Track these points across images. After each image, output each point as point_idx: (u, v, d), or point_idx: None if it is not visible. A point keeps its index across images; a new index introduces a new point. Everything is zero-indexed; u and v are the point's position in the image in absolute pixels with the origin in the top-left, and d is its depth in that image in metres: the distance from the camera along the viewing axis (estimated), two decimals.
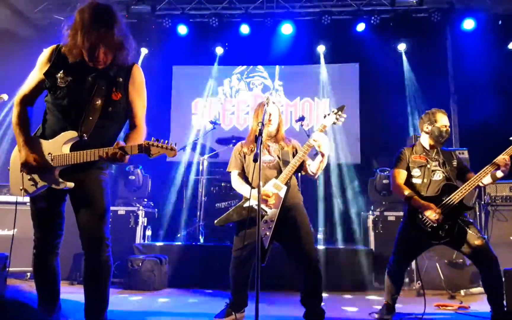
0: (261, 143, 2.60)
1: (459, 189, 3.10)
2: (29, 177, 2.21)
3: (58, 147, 2.19)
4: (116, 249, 4.86)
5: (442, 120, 3.33)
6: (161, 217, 6.21)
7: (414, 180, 3.33)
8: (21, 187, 2.21)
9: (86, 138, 2.19)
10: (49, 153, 2.19)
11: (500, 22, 6.51)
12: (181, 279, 4.76)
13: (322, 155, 2.88)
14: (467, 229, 3.08)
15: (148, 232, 5.60)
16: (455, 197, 3.08)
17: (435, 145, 3.36)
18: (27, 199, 2.28)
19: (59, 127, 2.23)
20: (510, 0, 6.31)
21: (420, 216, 3.12)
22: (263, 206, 2.90)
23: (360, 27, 6.80)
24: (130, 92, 2.34)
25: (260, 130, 2.64)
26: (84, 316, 2.29)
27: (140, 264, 4.47)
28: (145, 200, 5.87)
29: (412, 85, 7.00)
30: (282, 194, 2.91)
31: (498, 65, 6.22)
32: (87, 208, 2.26)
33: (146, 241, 5.39)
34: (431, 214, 3.05)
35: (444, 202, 3.10)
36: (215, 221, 3.12)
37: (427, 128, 3.38)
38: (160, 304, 3.86)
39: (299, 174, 3.29)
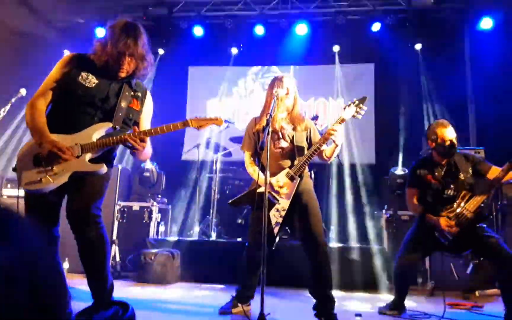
0: (268, 133, 2.62)
1: (470, 201, 3.07)
2: (52, 168, 2.22)
3: (88, 137, 2.32)
4: (130, 244, 5.10)
5: (445, 134, 3.25)
6: (174, 214, 6.28)
7: (428, 198, 3.31)
8: (40, 178, 2.20)
9: (119, 128, 2.42)
10: (76, 144, 2.28)
11: None
12: (193, 273, 4.80)
13: (336, 145, 2.93)
14: (480, 232, 3.07)
15: (162, 228, 5.68)
16: (468, 208, 3.06)
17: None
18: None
19: (87, 122, 2.35)
20: None
21: (437, 233, 3.13)
22: (275, 195, 2.93)
23: (376, 27, 6.77)
24: (143, 112, 2.60)
25: (267, 120, 2.65)
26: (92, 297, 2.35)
27: (153, 257, 4.54)
28: (159, 196, 5.95)
29: (428, 85, 6.89)
30: (294, 185, 2.92)
31: None
32: (80, 189, 2.31)
33: (159, 237, 5.46)
34: (445, 228, 3.05)
35: (456, 213, 3.08)
36: (229, 201, 3.13)
37: (431, 144, 3.35)
38: (170, 295, 3.91)
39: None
